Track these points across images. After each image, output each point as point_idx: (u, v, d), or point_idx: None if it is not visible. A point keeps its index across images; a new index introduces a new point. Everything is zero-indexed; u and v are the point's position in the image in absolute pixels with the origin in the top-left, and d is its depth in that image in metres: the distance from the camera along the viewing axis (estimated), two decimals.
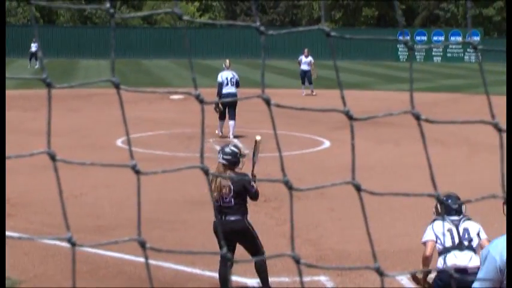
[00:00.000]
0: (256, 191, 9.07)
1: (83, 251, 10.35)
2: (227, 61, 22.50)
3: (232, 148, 9.16)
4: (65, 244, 9.62)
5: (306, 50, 36.11)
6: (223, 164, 8.95)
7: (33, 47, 56.98)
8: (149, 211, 12.67)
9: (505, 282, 5.18)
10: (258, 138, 9.52)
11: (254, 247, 9.03)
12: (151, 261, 10.24)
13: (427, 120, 1.75)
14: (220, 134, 21.51)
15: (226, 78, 21.49)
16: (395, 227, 12.21)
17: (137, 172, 1.75)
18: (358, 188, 1.73)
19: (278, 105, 1.78)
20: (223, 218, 8.94)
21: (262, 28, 1.75)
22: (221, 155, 8.99)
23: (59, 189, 1.78)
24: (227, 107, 21.10)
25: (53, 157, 1.72)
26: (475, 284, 5.54)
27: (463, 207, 7.71)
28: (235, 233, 8.89)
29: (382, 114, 1.82)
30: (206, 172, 1.76)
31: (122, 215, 12.77)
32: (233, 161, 9.02)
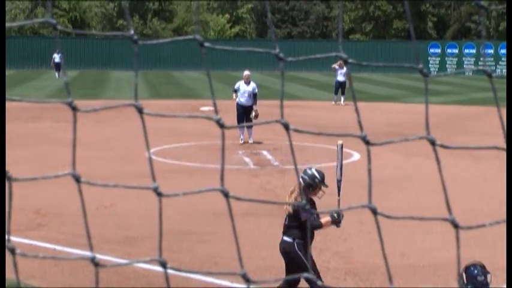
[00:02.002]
0: (307, 218, 8.56)
1: (113, 262, 10.39)
2: (246, 72, 22.77)
3: (314, 171, 8.87)
4: (95, 254, 9.58)
5: (339, 62, 36.24)
6: (300, 183, 8.71)
7: (57, 57, 57.58)
8: (179, 223, 12.70)
9: None
10: (340, 142, 9.19)
11: (297, 272, 8.57)
12: (181, 273, 10.26)
13: (442, 146, 1.75)
14: (242, 141, 21.93)
15: (244, 89, 22.32)
16: (425, 241, 12.13)
17: (159, 194, 1.76)
18: (374, 212, 1.73)
19: (296, 130, 1.79)
20: (281, 236, 8.97)
21: (281, 55, 1.76)
22: (302, 174, 8.79)
23: (83, 210, 1.80)
24: (244, 116, 21.99)
25: (77, 179, 1.74)
26: None
27: (489, 277, 6.60)
28: (284, 253, 8.90)
29: (398, 140, 1.83)
30: (226, 195, 1.77)
31: (151, 225, 12.80)
32: (308, 183, 8.72)
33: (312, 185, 8.73)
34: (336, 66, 36.07)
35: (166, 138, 21.68)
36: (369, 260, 11.17)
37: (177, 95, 40.89)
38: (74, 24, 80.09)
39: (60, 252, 11.08)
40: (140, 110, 1.75)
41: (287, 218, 8.84)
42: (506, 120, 1.66)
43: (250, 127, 21.76)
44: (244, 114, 21.98)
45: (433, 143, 1.72)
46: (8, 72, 54.75)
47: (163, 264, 1.74)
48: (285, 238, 8.88)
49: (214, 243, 11.91)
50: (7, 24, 1.82)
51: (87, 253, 1.80)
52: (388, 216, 1.78)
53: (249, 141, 22.04)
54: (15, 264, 1.77)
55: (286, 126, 1.75)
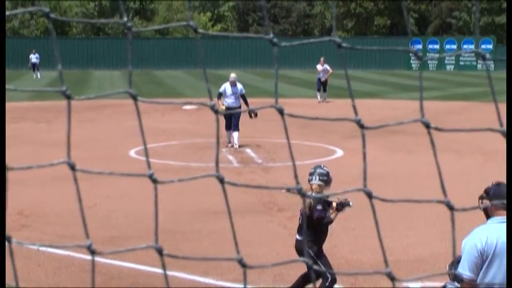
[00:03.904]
0: (319, 217, 8.77)
1: (97, 262, 10.36)
2: (232, 75, 22.10)
3: (325, 168, 9.16)
4: (78, 255, 9.58)
5: (322, 59, 36.37)
6: (319, 185, 8.93)
7: (34, 58, 57.41)
8: (162, 221, 12.68)
9: (484, 265, 5.66)
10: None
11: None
12: (167, 272, 10.27)
13: (436, 129, 1.75)
14: (228, 143, 21.55)
15: (230, 91, 21.50)
16: (409, 236, 12.17)
17: (154, 181, 1.76)
18: (369, 195, 1.74)
19: (291, 115, 1.79)
20: (295, 235, 9.17)
21: (275, 40, 1.76)
22: (317, 177, 8.96)
23: (79, 198, 1.79)
24: (231, 119, 21.12)
25: (72, 167, 1.73)
26: (461, 271, 5.77)
27: None
28: (297, 252, 9.06)
29: (393, 123, 1.83)
30: (221, 181, 1.76)
31: (135, 225, 12.78)
32: (325, 180, 8.99)
33: (328, 181, 9.01)
34: (319, 66, 36.24)
35: (148, 137, 21.55)
36: (353, 256, 11.20)
37: (159, 94, 40.82)
38: (54, 24, 79.40)
39: (43, 252, 11.03)
40: (134, 97, 1.75)
41: (301, 217, 9.00)
42: (506, 121, 1.67)
43: (236, 130, 21.39)
44: (231, 116, 21.26)
45: (427, 126, 1.73)
46: None
47: (160, 251, 1.73)
48: (298, 237, 9.09)
49: (198, 241, 11.90)
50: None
51: (82, 243, 1.80)
52: (383, 200, 1.79)
53: (234, 146, 21.43)
54: (11, 253, 1.76)
55: (281, 111, 1.75)
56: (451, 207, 1.75)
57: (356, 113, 1.76)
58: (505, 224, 5.61)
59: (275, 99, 1.78)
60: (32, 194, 14.87)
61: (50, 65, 64.27)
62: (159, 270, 10.31)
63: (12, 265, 1.84)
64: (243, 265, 1.73)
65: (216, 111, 1.82)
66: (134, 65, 67.14)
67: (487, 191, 6.02)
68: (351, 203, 9.09)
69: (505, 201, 5.67)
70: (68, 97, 1.73)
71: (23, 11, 1.90)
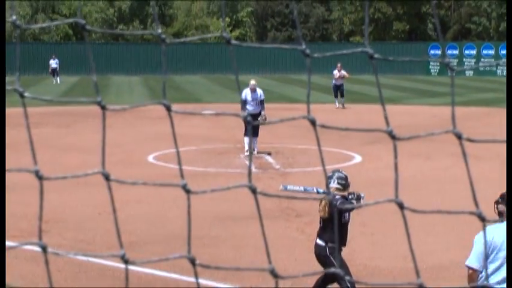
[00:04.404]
0: (343, 207, 8.69)
1: (113, 267, 10.39)
2: (252, 82, 21.94)
3: (344, 172, 9.26)
4: (98, 260, 9.56)
5: (339, 65, 36.28)
6: (337, 188, 9.00)
7: (53, 63, 57.72)
8: (180, 227, 12.70)
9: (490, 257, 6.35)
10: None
11: (331, 276, 9.08)
12: (183, 277, 10.24)
13: (468, 140, 1.75)
14: (247, 152, 21.50)
15: (251, 97, 21.47)
16: (427, 243, 12.11)
17: (187, 191, 1.76)
18: (401, 206, 1.73)
19: (323, 126, 1.79)
20: (315, 239, 9.19)
21: (307, 51, 1.76)
22: (335, 180, 9.04)
23: (113, 207, 1.80)
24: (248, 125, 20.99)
25: (107, 177, 1.75)
26: (467, 262, 6.51)
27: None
28: (317, 256, 9.07)
29: (424, 134, 1.83)
30: (254, 191, 1.77)
31: (154, 230, 12.81)
32: (344, 184, 9.08)
33: (346, 185, 9.10)
34: (336, 72, 36.17)
35: (167, 142, 21.67)
36: (371, 262, 11.17)
37: (177, 99, 40.89)
38: (74, 30, 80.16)
39: (63, 257, 11.07)
40: (168, 108, 1.77)
41: (321, 221, 9.01)
42: (506, 121, 1.66)
43: (255, 136, 21.34)
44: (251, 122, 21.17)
45: (459, 137, 1.73)
46: (9, 79, 54.78)
47: (192, 261, 1.74)
48: (318, 241, 9.07)
49: (216, 247, 11.91)
50: (33, 26, 1.83)
51: (117, 252, 1.81)
52: (414, 210, 1.78)
53: (254, 152, 21.35)
54: (46, 262, 1.77)
55: (313, 122, 1.76)
56: (482, 219, 1.74)
57: (388, 123, 1.76)
58: None
59: (307, 110, 1.78)
60: (51, 200, 14.92)
61: (70, 71, 64.57)
62: (176, 276, 10.32)
63: (47, 274, 1.85)
64: (275, 275, 1.73)
65: (249, 122, 1.84)
66: (152, 70, 67.38)
67: (502, 196, 6.56)
68: (362, 194, 9.18)
69: None
70: (103, 107, 1.75)
71: (60, 23, 1.92)
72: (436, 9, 2.02)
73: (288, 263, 10.79)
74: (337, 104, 36.03)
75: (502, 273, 6.29)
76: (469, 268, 6.49)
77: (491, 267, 6.39)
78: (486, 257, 6.35)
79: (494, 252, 6.33)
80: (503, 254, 6.30)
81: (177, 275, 10.32)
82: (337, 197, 8.90)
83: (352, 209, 9.09)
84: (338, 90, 36.00)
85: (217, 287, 10.03)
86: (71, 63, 66.61)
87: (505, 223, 6.27)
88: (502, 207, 6.43)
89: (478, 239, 6.48)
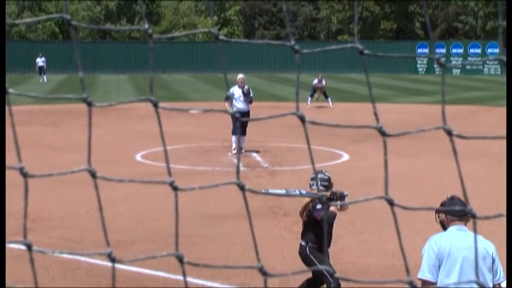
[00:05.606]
0: (322, 216, 8.90)
1: (101, 265, 10.37)
2: (240, 77, 21.45)
3: (327, 173, 9.27)
4: (84, 259, 9.54)
5: (320, 76, 36.25)
6: (320, 191, 8.97)
7: (40, 61, 57.56)
8: (168, 225, 12.68)
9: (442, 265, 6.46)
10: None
11: (317, 275, 9.15)
12: (171, 276, 10.22)
13: (459, 136, 1.75)
14: (234, 151, 21.36)
15: (239, 93, 21.01)
16: (415, 241, 12.11)
17: (175, 188, 1.75)
18: (391, 203, 1.73)
19: (313, 122, 1.78)
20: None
21: (296, 47, 1.76)
22: (318, 182, 9.13)
23: (99, 205, 1.79)
24: (241, 124, 20.68)
25: (93, 174, 1.73)
26: (420, 275, 6.61)
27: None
28: (300, 257, 9.15)
29: (414, 131, 1.83)
30: (242, 188, 1.76)
31: (141, 229, 12.79)
32: (326, 185, 9.10)
33: (329, 186, 9.11)
34: (316, 81, 36.00)
35: (154, 141, 21.63)
36: (359, 260, 11.18)
37: (165, 98, 40.82)
38: (61, 28, 79.92)
39: (49, 256, 11.03)
40: (155, 104, 1.75)
41: (303, 224, 9.15)
42: (506, 121, 1.66)
43: (243, 135, 21.06)
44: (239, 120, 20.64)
45: (449, 133, 1.73)
46: None
47: (180, 259, 1.73)
48: (300, 242, 9.20)
49: (204, 246, 11.90)
50: (18, 21, 1.81)
51: (105, 250, 1.80)
52: (404, 207, 1.78)
53: (242, 151, 21.03)
54: (32, 261, 1.76)
55: (302, 119, 1.75)
56: (473, 216, 1.74)
57: (377, 120, 1.75)
58: (460, 232, 6.38)
59: (296, 106, 1.78)
60: (37, 198, 14.86)
61: (57, 69, 64.36)
62: (163, 274, 10.31)
63: (32, 272, 1.84)
64: (264, 273, 1.72)
65: (237, 119, 1.83)
66: (140, 68, 67.22)
67: (442, 205, 6.72)
68: (346, 193, 9.16)
69: (458, 213, 6.40)
70: (89, 104, 1.73)
71: (45, 17, 1.90)
72: (426, 8, 2.02)
73: (276, 262, 10.80)
74: (309, 103, 35.57)
75: (453, 278, 6.38)
76: (424, 281, 6.49)
77: (442, 275, 6.48)
78: (438, 266, 6.48)
79: (444, 260, 6.46)
80: (451, 260, 6.42)
81: (165, 273, 10.31)
82: (318, 206, 8.88)
83: (334, 217, 8.98)
84: (314, 93, 35.93)
85: (206, 285, 10.02)
86: (58, 61, 66.40)
87: (447, 231, 6.49)
88: (443, 216, 6.63)
89: (426, 249, 6.63)
